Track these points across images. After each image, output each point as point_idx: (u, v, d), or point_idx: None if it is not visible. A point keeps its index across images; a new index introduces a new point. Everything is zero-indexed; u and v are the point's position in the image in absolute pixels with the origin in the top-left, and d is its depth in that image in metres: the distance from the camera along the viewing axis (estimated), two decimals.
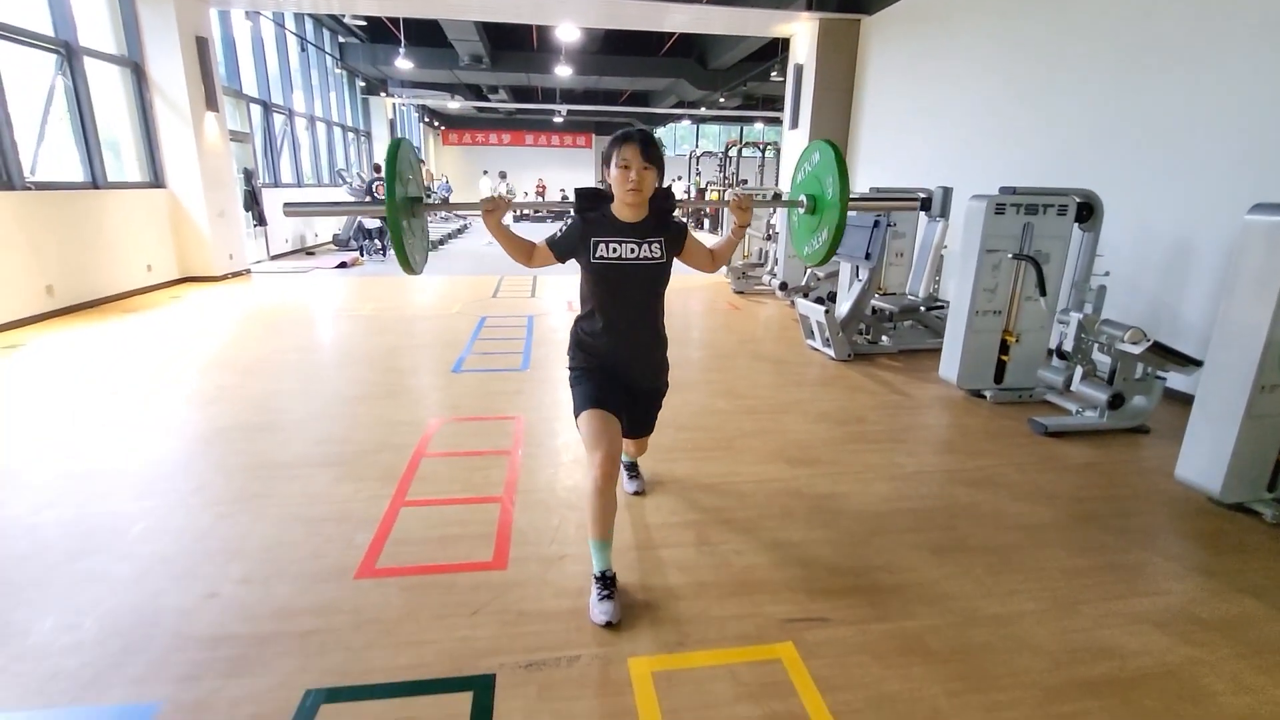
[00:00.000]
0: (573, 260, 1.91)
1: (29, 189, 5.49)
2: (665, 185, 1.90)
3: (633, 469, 2.59)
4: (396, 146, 1.87)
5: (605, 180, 1.88)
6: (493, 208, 1.85)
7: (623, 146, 1.79)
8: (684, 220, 2.00)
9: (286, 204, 2.05)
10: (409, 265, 1.95)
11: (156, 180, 7.35)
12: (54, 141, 6.03)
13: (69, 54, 6.10)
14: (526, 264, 1.97)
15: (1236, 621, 1.92)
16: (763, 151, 17.36)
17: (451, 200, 20.99)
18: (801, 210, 2.21)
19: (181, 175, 7.42)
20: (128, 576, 2.01)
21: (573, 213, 1.94)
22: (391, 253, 10.39)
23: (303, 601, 1.89)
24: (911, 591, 2.01)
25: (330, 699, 1.54)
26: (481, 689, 1.57)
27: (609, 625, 1.78)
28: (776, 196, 7.25)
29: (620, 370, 1.96)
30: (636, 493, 2.54)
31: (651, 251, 1.86)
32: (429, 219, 16.76)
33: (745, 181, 16.43)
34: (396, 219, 1.84)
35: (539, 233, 2.38)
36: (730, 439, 3.18)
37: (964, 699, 1.59)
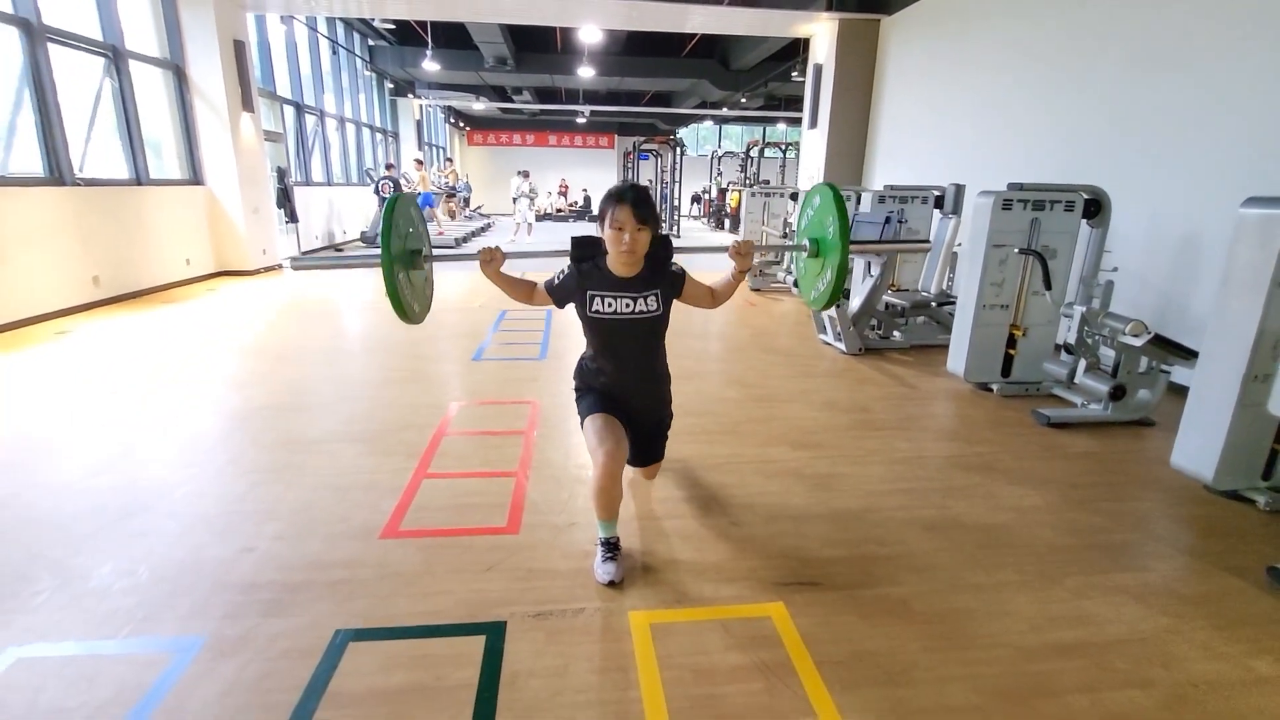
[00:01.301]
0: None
1: (78, 185, 5.80)
2: (663, 232, 1.94)
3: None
4: (394, 204, 1.91)
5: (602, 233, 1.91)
6: (489, 259, 1.92)
7: (616, 208, 1.81)
8: (681, 269, 2.03)
9: (293, 259, 2.18)
10: (405, 314, 1.96)
11: (195, 178, 7.68)
12: (101, 140, 6.36)
13: (116, 57, 6.43)
14: (528, 303, 2.05)
15: (1215, 596, 2.00)
16: (784, 152, 17.38)
17: (473, 200, 21.35)
18: (805, 255, 2.22)
19: (219, 173, 7.75)
20: (174, 532, 2.20)
21: (569, 260, 1.98)
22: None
23: (332, 556, 2.06)
24: (900, 562, 2.11)
25: (357, 638, 1.70)
26: (493, 634, 1.72)
27: (611, 584, 1.92)
28: (785, 235, 7.34)
29: (623, 401, 2.06)
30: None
31: (648, 305, 1.92)
32: (456, 219, 17.07)
33: (767, 181, 16.47)
34: (392, 272, 1.85)
35: (560, 231, 2.49)
36: (737, 424, 3.30)
37: (941, 654, 1.69)
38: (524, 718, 1.46)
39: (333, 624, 1.75)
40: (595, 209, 2.06)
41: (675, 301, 2.02)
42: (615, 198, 1.83)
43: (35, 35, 5.34)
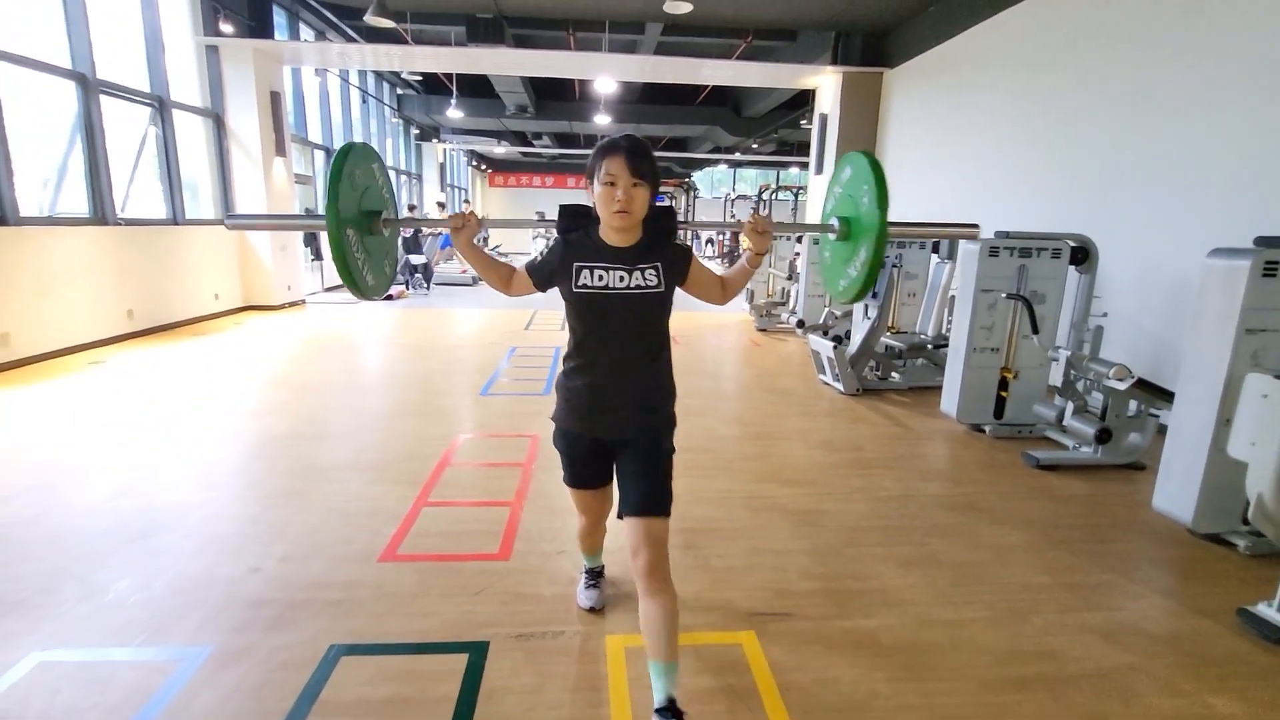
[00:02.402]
0: None
1: (119, 224, 6.18)
2: (664, 203, 1.62)
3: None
4: (346, 152, 1.63)
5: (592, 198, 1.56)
6: (461, 225, 1.62)
7: (607, 158, 1.46)
8: (687, 246, 1.70)
9: (229, 216, 1.95)
10: (356, 286, 1.72)
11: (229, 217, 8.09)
12: (143, 182, 6.78)
13: (161, 107, 6.90)
14: (505, 290, 1.71)
15: (1184, 636, 2.04)
16: (795, 195, 17.75)
17: (492, 239, 21.88)
18: (833, 237, 1.92)
19: (251, 213, 8.16)
20: (188, 551, 2.35)
21: (555, 233, 1.68)
22: (434, 285, 11.06)
23: (333, 577, 2.19)
24: (874, 596, 2.19)
25: (349, 652, 1.81)
26: (476, 652, 1.83)
27: (592, 610, 2.02)
28: (791, 276, 7.50)
29: (607, 423, 1.63)
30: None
31: (646, 279, 1.53)
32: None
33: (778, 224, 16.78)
34: (340, 233, 1.60)
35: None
36: (730, 461, 3.40)
37: (903, 684, 1.76)
38: None
39: (328, 639, 1.86)
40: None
41: (679, 289, 1.63)
42: (607, 147, 1.48)
43: (90, 88, 5.79)
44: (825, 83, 8.89)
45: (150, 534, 2.47)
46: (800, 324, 6.89)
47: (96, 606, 2.01)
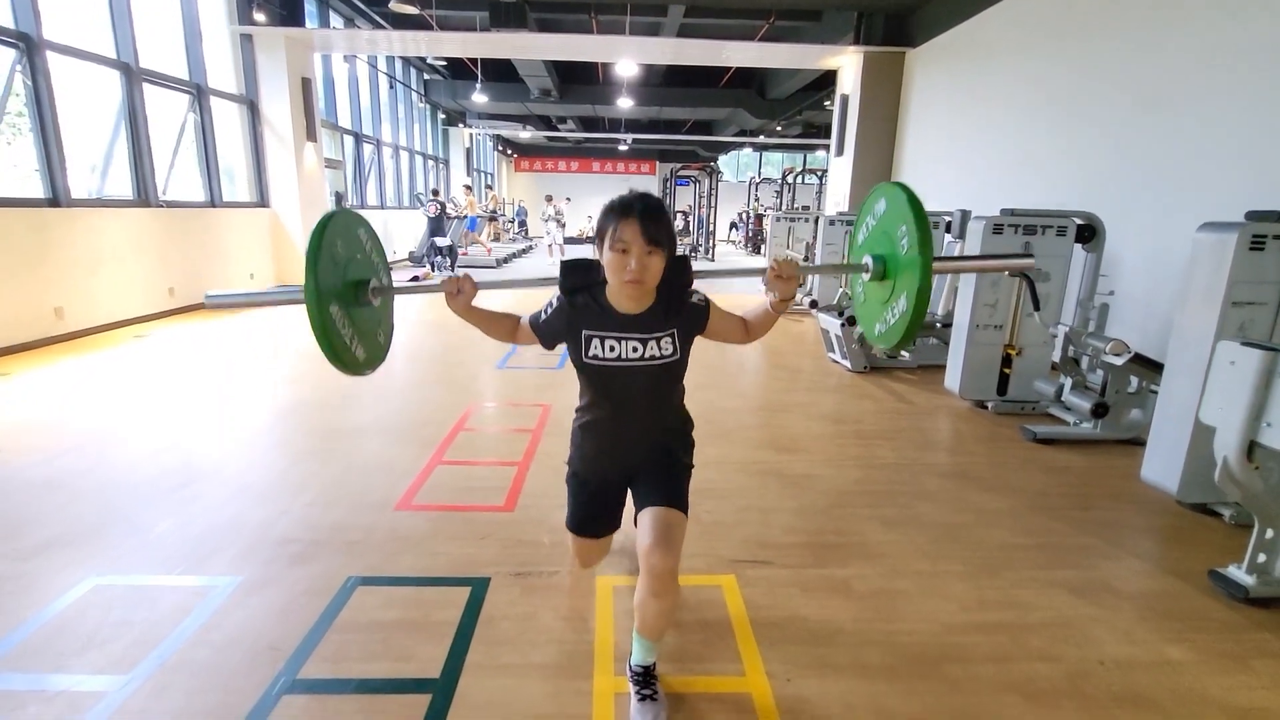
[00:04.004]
0: None
1: (161, 207, 6.51)
2: (680, 254, 1.48)
3: (646, 685, 1.54)
4: (327, 222, 1.44)
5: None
6: (455, 290, 1.50)
7: (619, 224, 1.35)
8: (703, 298, 1.54)
9: (208, 296, 1.64)
10: (343, 363, 1.48)
11: (262, 200, 8.42)
12: (182, 166, 7.10)
13: (199, 94, 7.20)
14: (513, 341, 1.65)
15: (1153, 594, 2.12)
16: (820, 178, 17.55)
17: (526, 222, 22.01)
18: (866, 277, 1.65)
19: (283, 197, 8.48)
20: (223, 498, 2.58)
21: (557, 292, 1.54)
22: (458, 267, 11.33)
23: (352, 521, 2.40)
24: (854, 551, 2.31)
25: (365, 583, 2.01)
26: (478, 586, 2.01)
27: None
28: (808, 258, 7.50)
29: (622, 463, 1.62)
30: None
31: (661, 349, 1.46)
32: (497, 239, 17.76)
33: (805, 207, 16.62)
34: (321, 308, 1.39)
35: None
36: (730, 430, 3.53)
37: (868, 625, 1.89)
38: (493, 647, 1.74)
39: (346, 572, 2.06)
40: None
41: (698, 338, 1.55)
42: (619, 210, 1.37)
43: (134, 77, 6.09)
44: (847, 63, 8.82)
45: (188, 484, 2.71)
46: (814, 304, 6.92)
47: (142, 542, 2.24)
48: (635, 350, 1.46)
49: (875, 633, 1.85)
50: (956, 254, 4.90)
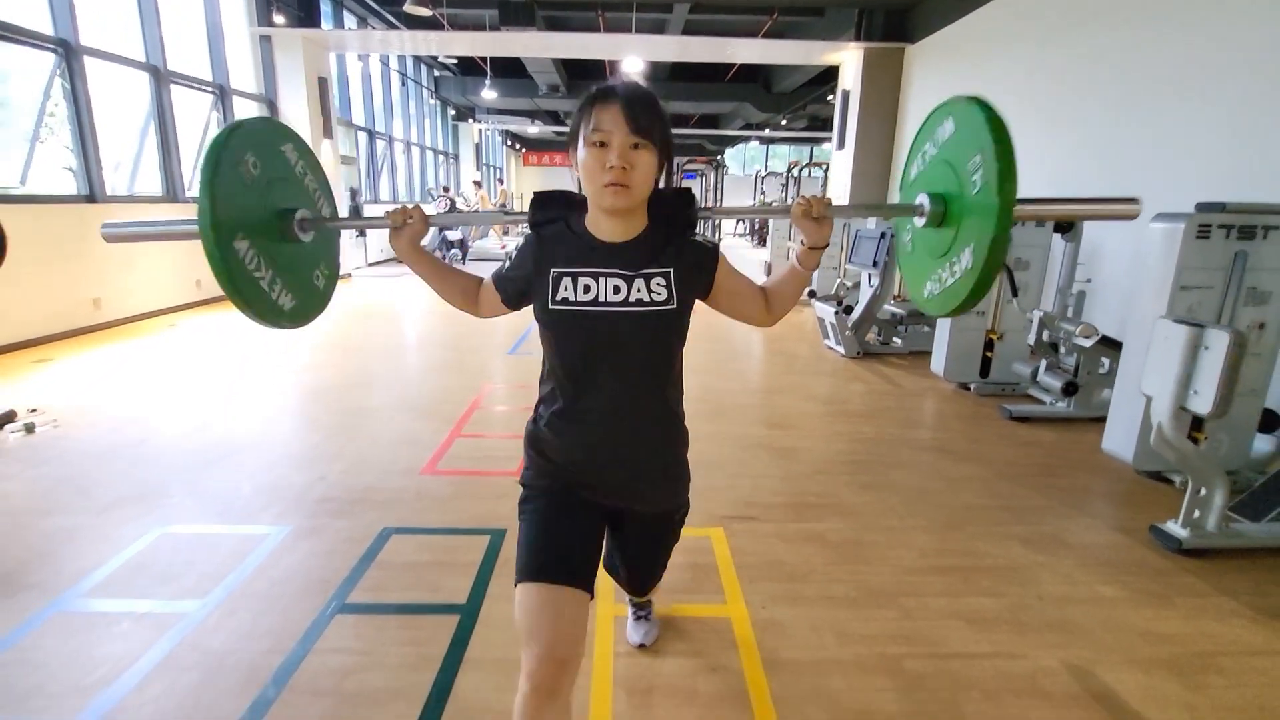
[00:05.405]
0: None
1: (189, 202, 6.83)
2: (681, 184, 1.21)
3: (641, 609, 1.75)
4: (227, 136, 1.17)
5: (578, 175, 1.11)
6: (400, 223, 1.20)
7: (596, 110, 1.04)
8: (712, 241, 1.16)
9: (104, 225, 1.45)
10: (257, 311, 1.23)
11: None
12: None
13: (222, 94, 7.50)
14: (473, 311, 1.30)
15: (1096, 546, 2.37)
16: (825, 171, 17.71)
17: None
18: (920, 221, 1.29)
19: None
20: (265, 464, 2.88)
21: (527, 228, 1.21)
22: (469, 260, 11.66)
23: (383, 484, 2.68)
24: (831, 509, 2.57)
25: (398, 533, 2.30)
26: (496, 535, 2.29)
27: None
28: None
29: (597, 486, 1.21)
30: (640, 645, 1.71)
31: (652, 291, 1.11)
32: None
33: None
34: (219, 245, 1.13)
35: None
36: (724, 408, 3.79)
37: (838, 566, 2.16)
38: (511, 581, 2.01)
39: (381, 524, 2.35)
40: None
41: (700, 302, 1.19)
42: (597, 95, 1.06)
43: (162, 79, 6.40)
44: (848, 59, 9.01)
45: (233, 454, 3.01)
46: (812, 294, 7.15)
47: (199, 499, 2.54)
48: (617, 291, 1.09)
49: (843, 573, 2.12)
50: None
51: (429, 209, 1.88)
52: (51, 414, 3.42)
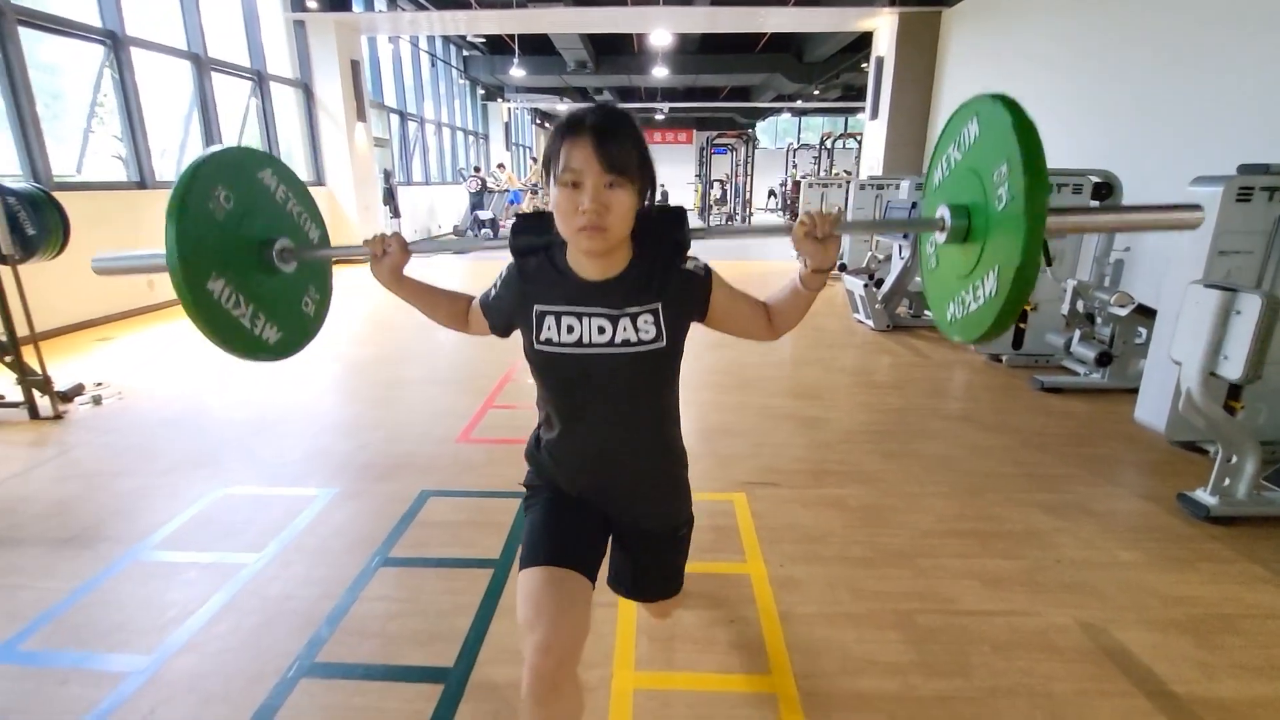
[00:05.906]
0: None
1: None
2: (671, 203, 1.18)
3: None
4: (194, 171, 1.13)
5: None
6: (380, 251, 1.19)
7: (565, 145, 0.98)
8: (703, 266, 1.10)
9: (95, 259, 1.45)
10: (230, 346, 1.20)
11: (318, 179, 8.97)
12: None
13: (260, 80, 7.71)
14: (465, 330, 1.29)
15: (1121, 513, 2.38)
16: (859, 143, 17.27)
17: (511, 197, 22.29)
18: (941, 236, 1.12)
19: (337, 175, 9.01)
20: (311, 433, 3.05)
21: (510, 258, 1.17)
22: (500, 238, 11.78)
23: (421, 450, 2.83)
24: (852, 476, 2.62)
25: (436, 495, 2.44)
26: None
27: None
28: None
29: (600, 501, 1.22)
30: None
31: (639, 330, 1.07)
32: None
33: (847, 173, 16.42)
34: (188, 285, 1.12)
35: None
36: (751, 380, 3.84)
37: (855, 529, 2.21)
38: None
39: (419, 486, 2.49)
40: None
41: (697, 325, 1.15)
42: (565, 126, 0.99)
43: (203, 66, 6.61)
44: (882, 24, 8.76)
45: (280, 423, 3.19)
46: (843, 267, 7.09)
47: (254, 464, 2.72)
48: (602, 332, 1.06)
49: (860, 535, 2.18)
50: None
51: (462, 188, 1.80)
52: (115, 387, 3.66)
